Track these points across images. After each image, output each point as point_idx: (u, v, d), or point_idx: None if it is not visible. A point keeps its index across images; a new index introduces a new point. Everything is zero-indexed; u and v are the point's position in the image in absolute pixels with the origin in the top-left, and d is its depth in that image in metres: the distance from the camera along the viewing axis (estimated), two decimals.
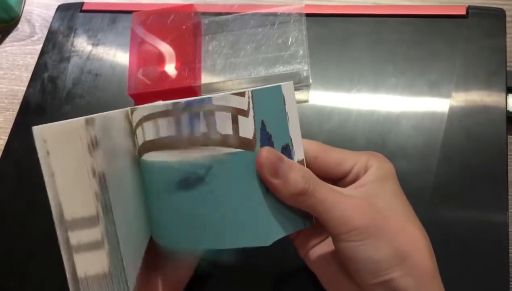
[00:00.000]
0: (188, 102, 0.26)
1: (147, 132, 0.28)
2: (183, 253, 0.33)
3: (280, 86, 0.28)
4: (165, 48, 0.48)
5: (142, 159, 0.29)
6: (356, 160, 0.31)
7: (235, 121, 0.26)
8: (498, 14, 0.46)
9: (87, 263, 0.24)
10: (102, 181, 0.24)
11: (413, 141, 0.42)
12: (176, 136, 0.27)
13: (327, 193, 0.28)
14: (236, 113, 0.26)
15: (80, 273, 0.24)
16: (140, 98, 0.46)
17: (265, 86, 0.28)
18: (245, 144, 0.27)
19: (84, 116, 0.24)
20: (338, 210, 0.27)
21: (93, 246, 0.24)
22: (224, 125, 0.26)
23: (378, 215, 0.28)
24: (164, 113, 0.27)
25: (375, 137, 0.43)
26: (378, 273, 0.27)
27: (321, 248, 0.32)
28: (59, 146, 0.23)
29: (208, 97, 0.26)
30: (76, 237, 0.24)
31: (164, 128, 0.27)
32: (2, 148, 0.51)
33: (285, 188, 0.27)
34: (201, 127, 0.26)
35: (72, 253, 0.24)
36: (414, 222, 0.29)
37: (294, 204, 0.28)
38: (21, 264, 0.43)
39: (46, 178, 0.24)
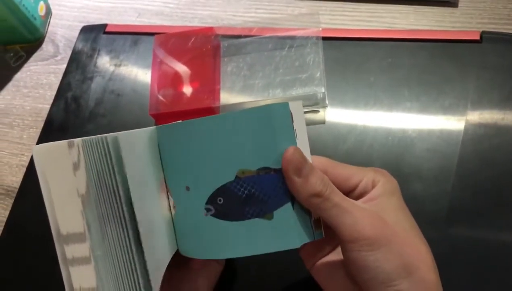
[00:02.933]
0: None
1: None
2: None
3: (287, 104, 0.29)
4: (186, 70, 0.49)
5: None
6: (363, 175, 0.32)
7: None
8: (511, 39, 0.47)
9: (80, 277, 0.26)
10: (85, 200, 0.26)
11: (428, 164, 0.43)
12: None
13: (341, 199, 0.29)
14: None
15: (76, 285, 0.26)
16: (161, 118, 0.48)
17: (273, 103, 0.29)
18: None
19: (67, 140, 0.26)
20: (351, 217, 0.28)
21: (83, 260, 0.26)
22: None
23: (388, 228, 0.29)
24: None
25: (390, 159, 0.43)
26: (387, 283, 0.28)
27: (327, 260, 0.34)
28: (51, 165, 0.26)
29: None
30: (71, 251, 0.26)
31: None
32: (26, 164, 0.52)
33: (304, 188, 0.28)
34: None
35: (68, 266, 0.26)
36: (420, 236, 0.31)
37: (309, 205, 0.29)
38: (44, 282, 0.44)
39: (44, 194, 0.26)
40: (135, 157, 0.28)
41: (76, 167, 0.26)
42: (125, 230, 0.26)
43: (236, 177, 0.29)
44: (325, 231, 0.30)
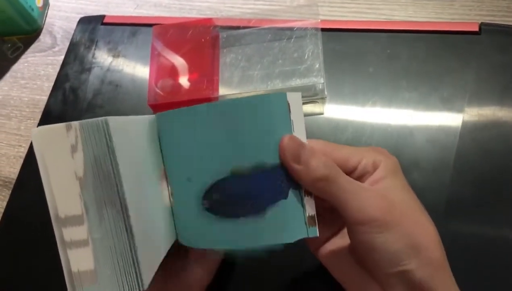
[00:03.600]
0: None
1: None
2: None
3: (285, 94, 0.29)
4: (184, 61, 0.49)
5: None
6: (362, 156, 0.31)
7: None
8: (510, 31, 0.47)
9: (79, 259, 0.26)
10: (83, 183, 0.26)
11: (426, 155, 0.43)
12: None
13: (347, 181, 0.29)
14: None
15: (74, 268, 0.26)
16: (160, 108, 0.48)
17: (271, 93, 0.29)
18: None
19: (65, 123, 0.26)
20: (358, 199, 0.28)
21: (81, 243, 0.26)
22: None
23: (396, 209, 0.29)
24: None
25: (388, 150, 0.43)
26: (396, 263, 0.28)
27: (333, 243, 0.34)
28: (49, 147, 0.26)
29: None
30: (69, 233, 0.26)
31: None
32: (24, 155, 0.52)
33: (307, 173, 0.28)
34: None
35: (66, 248, 0.26)
36: (426, 215, 0.30)
37: (315, 191, 0.28)
38: (43, 273, 0.44)
39: (42, 177, 0.26)
40: (130, 142, 0.27)
41: (74, 149, 0.26)
42: (119, 214, 0.26)
43: (232, 173, 0.28)
44: (329, 212, 0.30)
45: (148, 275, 0.27)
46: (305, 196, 0.29)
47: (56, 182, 0.26)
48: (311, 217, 0.29)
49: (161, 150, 0.32)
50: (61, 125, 0.26)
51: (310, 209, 0.29)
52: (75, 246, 0.26)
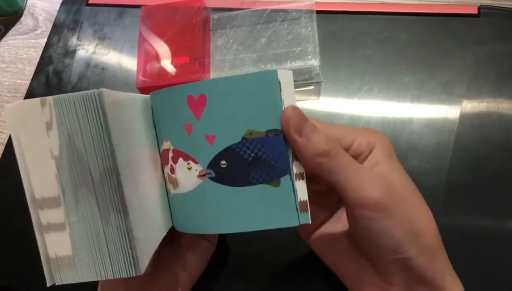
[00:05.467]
0: None
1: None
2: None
3: (275, 71, 0.27)
4: (174, 43, 0.47)
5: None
6: (355, 136, 0.30)
7: None
8: (510, 14, 0.46)
9: (56, 244, 0.25)
10: (59, 163, 0.24)
11: (425, 141, 0.41)
12: None
13: (349, 160, 0.27)
14: None
15: (51, 254, 0.25)
16: (148, 92, 0.46)
17: (260, 71, 0.27)
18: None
19: (40, 97, 0.24)
20: (359, 178, 0.27)
21: (58, 227, 0.25)
22: None
23: (396, 192, 0.28)
24: None
25: (387, 135, 0.41)
26: (397, 250, 0.27)
27: (326, 229, 0.33)
28: (24, 124, 0.24)
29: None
30: (46, 216, 0.24)
31: None
32: (5, 142, 0.50)
33: (308, 147, 0.26)
34: None
35: (43, 232, 0.25)
36: (423, 200, 0.30)
37: (314, 167, 0.27)
38: (26, 258, 0.42)
39: (17, 156, 0.24)
40: (119, 123, 0.25)
41: (49, 126, 0.24)
42: (94, 197, 0.24)
43: (243, 138, 0.27)
44: (321, 196, 0.29)
45: (143, 260, 0.25)
46: (296, 179, 0.27)
47: (31, 161, 0.24)
48: (303, 202, 0.27)
49: (156, 132, 0.30)
50: (35, 101, 0.24)
51: (302, 194, 0.27)
52: (52, 230, 0.25)
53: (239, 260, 0.40)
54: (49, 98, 0.24)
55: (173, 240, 0.33)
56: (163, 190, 0.30)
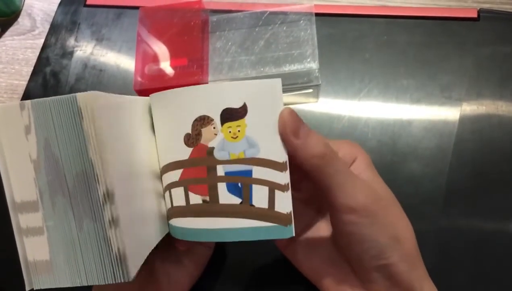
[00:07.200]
0: (226, 172, 0.27)
1: (176, 199, 0.28)
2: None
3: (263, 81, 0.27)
4: (172, 44, 0.47)
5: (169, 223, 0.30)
6: (337, 148, 0.30)
7: (271, 196, 0.27)
8: (509, 18, 0.46)
9: (34, 248, 0.25)
10: (37, 167, 0.24)
11: (424, 144, 0.41)
12: (206, 204, 0.27)
13: (343, 164, 0.28)
14: (274, 188, 0.27)
15: (30, 258, 0.25)
16: (147, 94, 0.45)
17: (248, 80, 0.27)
18: (280, 220, 0.27)
19: (19, 101, 0.24)
20: (351, 184, 0.28)
21: (37, 231, 0.24)
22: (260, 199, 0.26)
23: (381, 200, 0.29)
24: (195, 181, 0.27)
25: (386, 138, 0.42)
26: (380, 256, 0.28)
27: (305, 238, 0.33)
28: (5, 128, 0.24)
29: (248, 171, 0.26)
30: (25, 220, 0.24)
31: (194, 196, 0.27)
32: None
33: (304, 150, 0.27)
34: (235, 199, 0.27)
35: (22, 236, 0.24)
36: (402, 210, 0.31)
37: (310, 168, 0.27)
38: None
39: None
40: (107, 127, 0.25)
41: (28, 130, 0.24)
42: (69, 202, 0.24)
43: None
44: (301, 205, 0.29)
45: (133, 266, 0.25)
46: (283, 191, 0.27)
47: (12, 164, 0.24)
48: (287, 215, 0.27)
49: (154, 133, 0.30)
50: (15, 104, 0.24)
51: (287, 205, 0.27)
52: (31, 234, 0.24)
53: (236, 265, 0.39)
54: (28, 102, 0.24)
55: (170, 244, 0.33)
56: (159, 197, 0.30)
